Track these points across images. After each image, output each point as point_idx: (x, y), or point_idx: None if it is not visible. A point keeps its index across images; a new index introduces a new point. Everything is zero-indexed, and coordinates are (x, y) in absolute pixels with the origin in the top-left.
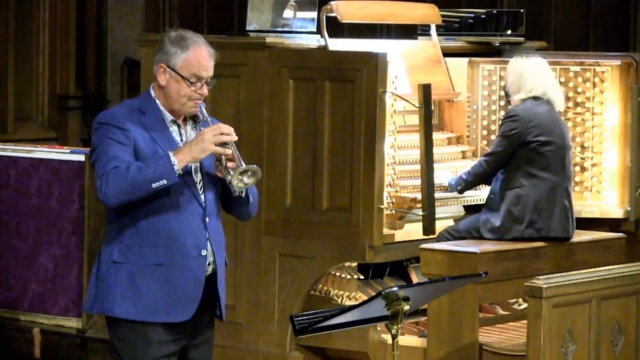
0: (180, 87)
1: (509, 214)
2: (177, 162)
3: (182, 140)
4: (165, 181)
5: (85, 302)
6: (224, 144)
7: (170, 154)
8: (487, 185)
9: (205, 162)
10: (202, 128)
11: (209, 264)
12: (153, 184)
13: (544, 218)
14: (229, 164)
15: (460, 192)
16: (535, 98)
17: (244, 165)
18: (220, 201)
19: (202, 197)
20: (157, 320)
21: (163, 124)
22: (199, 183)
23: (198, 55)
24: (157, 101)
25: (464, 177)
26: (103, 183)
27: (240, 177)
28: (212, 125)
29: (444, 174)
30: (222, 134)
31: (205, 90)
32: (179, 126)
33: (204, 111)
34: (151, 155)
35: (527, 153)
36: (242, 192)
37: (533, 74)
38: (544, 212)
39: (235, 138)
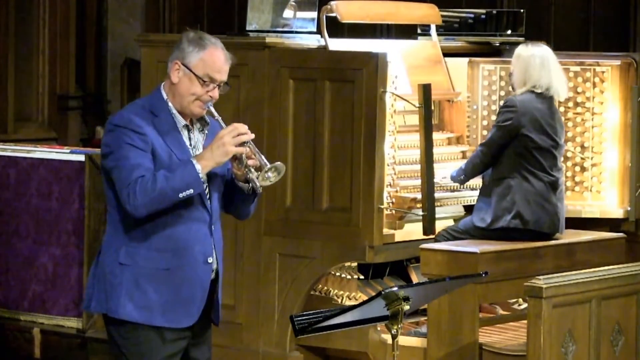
0: (191, 85)
1: (499, 203)
2: (201, 169)
3: (190, 145)
4: (192, 190)
5: (84, 299)
6: (242, 143)
7: (194, 161)
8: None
9: (213, 169)
10: (211, 129)
11: (213, 270)
12: (180, 194)
13: (531, 211)
14: (250, 162)
15: (462, 182)
16: (538, 93)
17: (269, 164)
18: (223, 202)
19: (209, 203)
20: (160, 324)
21: (175, 128)
22: (206, 189)
23: (214, 56)
24: (170, 103)
25: (463, 167)
26: (130, 195)
27: (266, 174)
28: (228, 127)
29: (449, 171)
30: (240, 134)
31: (216, 94)
32: (189, 130)
33: (214, 111)
34: (167, 160)
35: (520, 148)
36: (250, 190)
37: (537, 69)
38: (533, 205)
39: (252, 136)
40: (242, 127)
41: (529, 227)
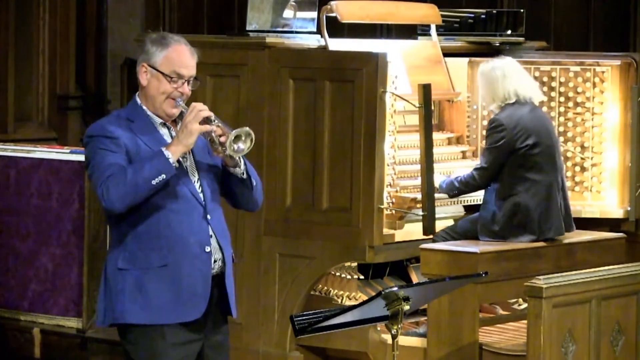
0: (160, 84)
1: (508, 223)
2: (171, 154)
3: None
4: (164, 175)
5: (97, 316)
6: (208, 122)
7: (163, 149)
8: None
9: (200, 160)
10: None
11: (215, 261)
12: (153, 181)
13: (543, 222)
14: (222, 139)
15: (451, 197)
16: (512, 104)
17: (233, 131)
18: (227, 198)
19: (201, 195)
20: (168, 321)
21: (153, 128)
22: (197, 182)
23: (179, 53)
24: (144, 107)
25: (457, 184)
26: (104, 191)
27: (235, 145)
28: (189, 109)
29: (438, 178)
30: (200, 111)
31: (186, 89)
32: (168, 128)
33: (184, 106)
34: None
35: (518, 159)
36: (243, 174)
37: (499, 81)
38: (543, 216)
39: (210, 113)
40: (200, 105)
41: (544, 236)
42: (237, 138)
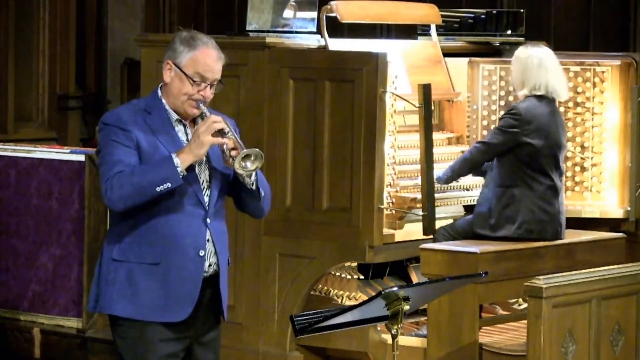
0: (182, 85)
1: (501, 212)
2: (180, 163)
3: (187, 140)
4: (169, 184)
5: (88, 301)
6: (222, 134)
7: (173, 155)
8: (475, 176)
9: (213, 162)
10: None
11: (210, 265)
12: (157, 188)
13: (536, 221)
14: (233, 153)
15: (447, 182)
16: (538, 96)
17: (244, 150)
18: (234, 201)
19: (206, 198)
20: (153, 319)
21: (168, 124)
22: (203, 184)
23: (205, 56)
24: (164, 101)
25: (453, 165)
26: (108, 189)
27: (242, 163)
28: (204, 120)
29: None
30: (214, 123)
31: (208, 93)
32: (184, 126)
33: (204, 109)
34: (155, 156)
35: (524, 155)
36: (252, 184)
37: (534, 70)
38: (537, 212)
39: (224, 126)
40: (216, 117)
41: (533, 236)
42: (247, 157)
